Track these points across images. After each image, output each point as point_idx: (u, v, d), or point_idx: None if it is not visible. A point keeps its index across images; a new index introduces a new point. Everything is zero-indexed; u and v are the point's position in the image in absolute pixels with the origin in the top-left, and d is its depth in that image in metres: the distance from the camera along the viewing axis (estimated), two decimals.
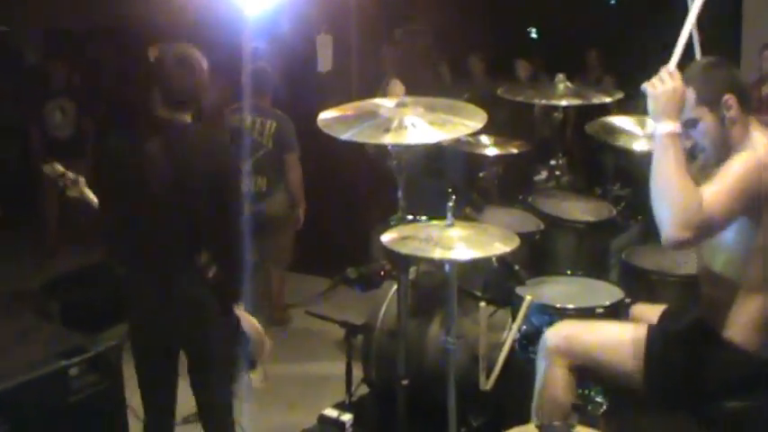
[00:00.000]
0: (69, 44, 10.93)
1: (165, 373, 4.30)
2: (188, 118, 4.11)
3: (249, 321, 4.48)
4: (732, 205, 3.35)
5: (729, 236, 3.47)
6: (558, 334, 3.93)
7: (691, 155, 3.60)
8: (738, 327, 3.53)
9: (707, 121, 3.53)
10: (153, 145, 4.01)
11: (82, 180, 4.47)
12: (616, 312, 4.30)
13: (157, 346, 4.21)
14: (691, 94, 3.52)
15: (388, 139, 4.32)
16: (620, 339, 3.80)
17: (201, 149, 4.09)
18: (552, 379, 3.88)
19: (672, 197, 3.33)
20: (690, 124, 3.55)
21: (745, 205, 3.36)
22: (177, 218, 4.02)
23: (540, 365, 3.94)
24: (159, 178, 3.98)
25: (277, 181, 7.13)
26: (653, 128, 3.48)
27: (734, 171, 3.39)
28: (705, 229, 3.33)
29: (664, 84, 3.47)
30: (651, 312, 4.14)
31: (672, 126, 3.42)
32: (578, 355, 3.83)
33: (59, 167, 4.51)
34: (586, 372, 3.90)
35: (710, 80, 3.55)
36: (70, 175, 4.49)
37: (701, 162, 3.64)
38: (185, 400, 4.42)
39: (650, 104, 3.51)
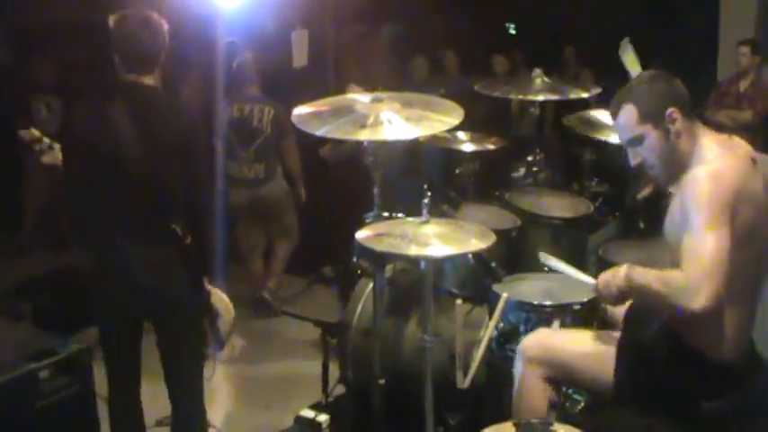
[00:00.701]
0: (45, 41, 10.79)
1: (130, 343, 4.27)
2: (151, 81, 4.08)
3: (219, 296, 4.43)
4: (723, 235, 3.26)
5: None
6: (534, 343, 3.90)
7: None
8: (707, 336, 3.46)
9: (652, 136, 3.52)
10: (119, 108, 4.00)
11: (57, 147, 4.42)
12: (593, 309, 4.26)
13: (124, 315, 4.19)
14: (633, 112, 3.53)
15: (365, 136, 4.30)
16: (593, 350, 3.78)
17: (167, 112, 4.09)
18: (528, 387, 3.85)
19: (664, 295, 3.32)
20: (635, 142, 3.56)
21: (729, 220, 3.29)
22: (147, 183, 3.97)
23: (517, 369, 3.91)
24: (127, 142, 3.95)
25: (274, 166, 7.29)
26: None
27: (702, 205, 3.31)
28: (717, 281, 3.22)
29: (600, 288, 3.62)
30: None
31: (622, 270, 3.51)
32: (553, 366, 3.81)
33: (36, 132, 4.47)
34: (560, 380, 3.89)
35: (652, 95, 3.54)
36: (46, 140, 4.44)
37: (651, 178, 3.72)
38: (158, 404, 4.38)
39: (604, 293, 3.60)
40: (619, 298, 3.56)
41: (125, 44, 4.04)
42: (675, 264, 3.53)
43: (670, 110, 3.48)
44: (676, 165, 3.53)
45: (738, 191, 3.33)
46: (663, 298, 3.32)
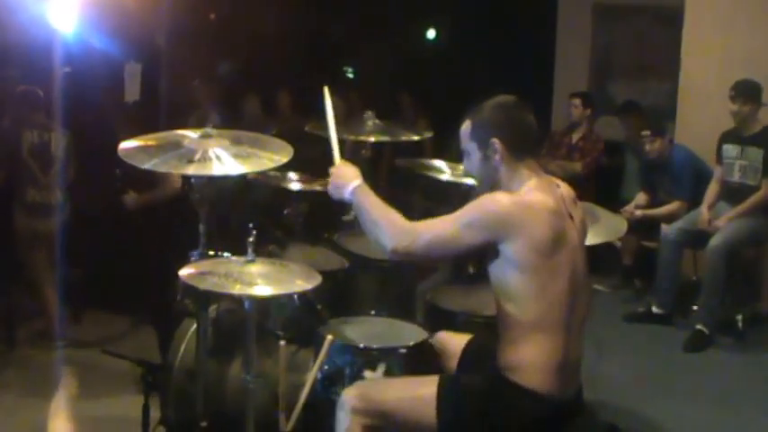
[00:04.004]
0: None
1: None
2: None
3: None
4: (454, 232, 3.51)
5: (509, 275, 3.52)
6: (356, 394, 3.83)
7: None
8: (525, 367, 3.54)
9: (475, 156, 3.70)
10: None
11: None
12: (420, 353, 4.24)
13: None
14: (468, 127, 3.70)
15: (191, 171, 4.22)
16: (415, 395, 3.74)
17: None
18: None
19: (381, 225, 3.66)
20: (465, 154, 3.75)
21: (476, 233, 3.49)
22: None
23: (339, 419, 3.82)
24: None
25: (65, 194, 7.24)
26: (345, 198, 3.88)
27: (472, 205, 3.58)
28: (420, 250, 3.58)
29: (331, 176, 3.97)
30: (454, 342, 4.16)
31: (355, 183, 3.83)
32: (376, 416, 3.75)
33: None
34: (385, 428, 3.83)
35: (486, 119, 3.67)
36: None
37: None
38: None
39: (332, 191, 3.97)
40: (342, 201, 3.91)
41: None
42: (499, 304, 3.62)
43: (494, 139, 3.59)
44: (494, 187, 3.66)
45: (518, 220, 3.46)
46: (376, 225, 3.69)
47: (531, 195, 3.54)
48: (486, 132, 3.62)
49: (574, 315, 3.59)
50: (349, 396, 3.83)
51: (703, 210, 7.64)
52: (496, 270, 3.57)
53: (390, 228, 3.62)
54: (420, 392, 3.71)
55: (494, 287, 3.63)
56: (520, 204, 3.50)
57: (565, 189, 3.76)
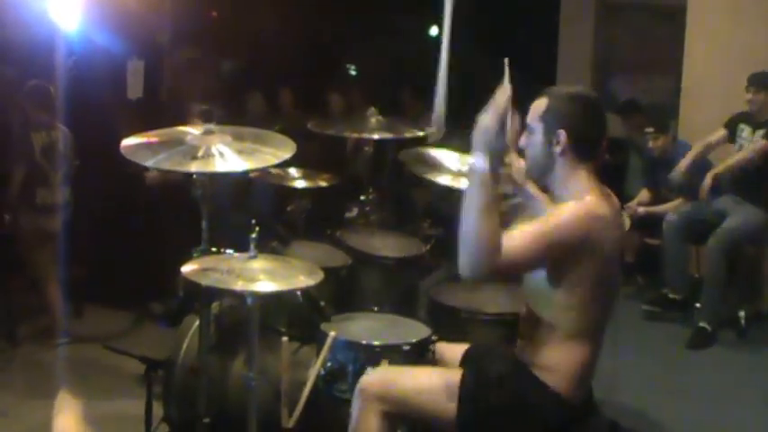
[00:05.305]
0: None
1: None
2: None
3: None
4: (538, 253, 3.35)
5: (559, 288, 3.45)
6: (373, 380, 3.83)
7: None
8: (554, 371, 3.52)
9: (537, 137, 3.55)
10: None
11: None
12: (423, 349, 4.23)
13: None
14: (541, 106, 3.55)
15: (194, 167, 4.22)
16: (434, 385, 3.71)
17: None
18: (365, 424, 3.76)
19: (469, 237, 3.28)
20: (529, 129, 3.58)
21: (558, 253, 3.36)
22: None
23: (354, 407, 3.82)
24: None
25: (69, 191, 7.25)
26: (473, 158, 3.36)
27: (554, 219, 3.39)
28: (501, 272, 3.33)
29: (486, 117, 3.36)
30: (452, 351, 4.11)
31: (482, 164, 3.30)
32: (393, 402, 3.73)
33: None
34: (400, 417, 3.80)
35: (560, 107, 3.53)
36: None
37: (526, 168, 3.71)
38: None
39: (474, 136, 3.37)
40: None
41: None
42: (527, 301, 3.64)
43: (561, 131, 3.48)
44: (544, 174, 3.60)
45: (593, 236, 3.37)
46: (473, 234, 3.26)
47: (603, 208, 3.46)
48: (558, 121, 3.50)
49: (606, 324, 3.59)
50: (369, 381, 3.82)
51: (708, 178, 7.56)
52: (543, 282, 3.47)
53: (471, 255, 3.26)
54: (442, 384, 3.68)
55: (531, 294, 3.60)
56: (598, 219, 3.40)
57: (615, 199, 3.64)
